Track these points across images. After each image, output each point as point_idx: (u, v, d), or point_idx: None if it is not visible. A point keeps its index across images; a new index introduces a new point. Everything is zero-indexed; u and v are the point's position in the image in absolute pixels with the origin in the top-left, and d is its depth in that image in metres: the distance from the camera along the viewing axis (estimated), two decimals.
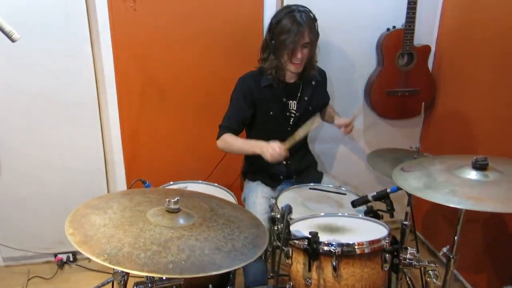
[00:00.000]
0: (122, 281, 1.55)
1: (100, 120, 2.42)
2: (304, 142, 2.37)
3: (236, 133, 2.16)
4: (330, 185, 2.18)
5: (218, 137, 2.18)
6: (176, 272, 1.18)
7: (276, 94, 2.16)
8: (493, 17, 2.20)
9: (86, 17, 2.22)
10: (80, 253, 2.59)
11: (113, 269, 1.35)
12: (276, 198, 2.01)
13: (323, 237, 1.52)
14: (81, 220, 1.42)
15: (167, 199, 1.44)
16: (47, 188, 2.48)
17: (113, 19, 2.24)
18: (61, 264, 2.62)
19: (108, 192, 2.57)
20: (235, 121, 2.16)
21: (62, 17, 2.19)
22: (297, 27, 1.96)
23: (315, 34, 2.06)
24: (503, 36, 2.14)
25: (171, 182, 2.07)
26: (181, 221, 1.41)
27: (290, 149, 2.23)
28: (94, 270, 2.61)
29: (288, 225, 1.45)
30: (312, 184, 2.18)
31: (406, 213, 2.04)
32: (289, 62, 2.05)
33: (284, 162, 2.26)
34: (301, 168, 2.32)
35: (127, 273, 1.55)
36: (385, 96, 2.55)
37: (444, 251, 1.69)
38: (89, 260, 2.68)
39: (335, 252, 1.48)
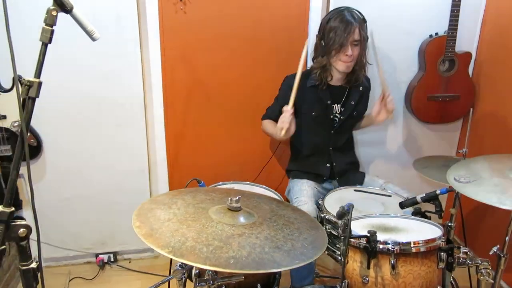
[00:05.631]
0: (183, 278, 1.59)
1: (146, 121, 2.47)
2: (349, 143, 2.39)
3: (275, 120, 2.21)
4: (376, 187, 2.20)
5: (263, 118, 2.34)
6: (237, 267, 1.21)
7: (320, 95, 2.19)
8: None
9: (137, 19, 2.28)
10: (121, 254, 2.71)
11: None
12: (323, 199, 2.04)
13: (379, 236, 1.54)
14: (147, 214, 1.46)
15: (229, 198, 1.48)
16: (91, 188, 2.53)
17: (163, 22, 2.30)
18: (102, 265, 2.64)
19: (150, 193, 2.62)
20: (275, 114, 2.22)
21: (113, 18, 2.26)
22: (346, 24, 2.01)
23: (365, 33, 2.09)
24: None
25: (220, 182, 2.11)
26: (242, 219, 1.45)
27: (335, 150, 2.27)
28: (135, 271, 2.65)
29: (349, 223, 1.47)
30: (357, 186, 2.20)
31: (451, 215, 2.06)
32: (339, 60, 2.08)
33: (328, 165, 2.29)
34: (345, 169, 2.35)
35: (188, 270, 1.60)
36: (426, 101, 2.57)
37: (495, 250, 1.70)
38: (129, 260, 2.73)
39: (393, 250, 1.50)
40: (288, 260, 1.31)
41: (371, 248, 1.50)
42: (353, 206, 1.44)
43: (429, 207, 1.86)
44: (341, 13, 2.04)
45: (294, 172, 2.37)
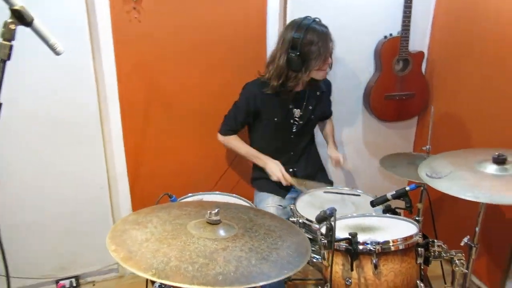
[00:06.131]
0: None
1: (103, 136, 2.35)
2: (309, 148, 2.40)
3: (236, 132, 2.30)
4: (346, 188, 2.22)
5: (221, 132, 2.31)
6: (226, 284, 1.16)
7: (283, 101, 2.19)
8: (478, 25, 2.35)
9: (88, 30, 2.17)
10: (84, 277, 2.57)
11: None
12: (294, 204, 2.03)
13: (358, 237, 1.55)
14: (121, 236, 1.38)
15: (208, 211, 1.43)
16: (47, 211, 2.37)
17: (116, 31, 2.20)
18: None
19: (112, 211, 2.50)
20: (234, 123, 2.27)
21: (62, 30, 2.10)
22: (324, 36, 2.06)
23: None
24: (487, 42, 2.30)
25: (189, 194, 2.04)
26: (223, 232, 1.41)
27: (296, 155, 2.28)
28: None
29: (332, 227, 1.46)
30: (327, 187, 2.21)
31: (418, 210, 2.11)
32: (319, 70, 2.12)
33: (291, 170, 2.29)
34: (309, 174, 2.35)
35: None
36: (383, 100, 2.63)
37: (466, 241, 1.76)
38: (93, 283, 2.59)
39: (374, 250, 1.51)
40: (276, 270, 1.28)
41: (353, 250, 1.50)
42: (335, 210, 1.43)
43: (399, 203, 1.90)
44: (312, 26, 2.04)
45: (259, 182, 2.35)
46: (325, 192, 2.18)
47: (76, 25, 2.15)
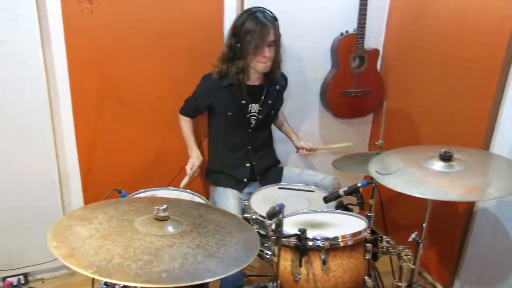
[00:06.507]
0: None
1: (53, 129, 2.27)
2: (268, 141, 2.41)
3: (191, 117, 2.33)
4: (300, 184, 2.24)
5: (180, 111, 2.35)
6: (170, 281, 1.16)
7: (236, 95, 2.18)
8: (430, 24, 2.40)
9: (37, 19, 2.07)
10: (33, 274, 2.49)
11: None
12: (248, 200, 2.03)
13: (307, 233, 1.56)
14: (64, 232, 1.34)
15: (156, 207, 1.41)
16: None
17: (67, 22, 2.12)
18: None
19: (63, 207, 2.42)
20: (189, 109, 2.30)
21: (10, 18, 2.04)
22: (261, 26, 2.02)
23: (278, 33, 2.12)
24: (440, 40, 2.35)
25: (141, 190, 2.00)
26: (171, 229, 1.39)
27: (254, 149, 2.28)
28: None
29: (281, 224, 1.47)
30: (281, 183, 2.22)
31: (370, 206, 2.15)
32: (257, 62, 2.10)
33: (248, 164, 2.29)
34: (265, 168, 2.37)
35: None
36: (339, 96, 2.66)
37: (413, 236, 1.81)
38: (42, 280, 2.51)
39: (323, 246, 1.53)
40: (223, 267, 1.28)
41: (302, 246, 1.51)
42: (284, 206, 1.43)
43: (352, 199, 1.92)
44: (254, 15, 2.04)
45: (215, 175, 2.34)
46: (279, 188, 2.19)
47: (25, 13, 2.06)
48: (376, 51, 2.67)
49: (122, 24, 2.22)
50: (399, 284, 1.73)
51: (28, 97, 2.18)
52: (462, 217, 2.30)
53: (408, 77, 2.63)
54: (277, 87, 2.28)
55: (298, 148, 2.42)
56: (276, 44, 2.12)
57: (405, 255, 1.68)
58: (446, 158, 1.62)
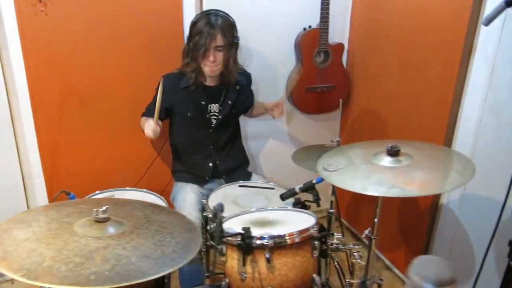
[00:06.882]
0: None
1: (14, 132, 2.27)
2: (232, 141, 2.39)
3: None
4: (259, 181, 2.23)
5: (142, 115, 2.29)
6: (98, 283, 1.16)
7: (194, 96, 2.18)
8: (394, 15, 2.38)
9: None
10: (2, 275, 2.47)
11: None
12: (207, 198, 2.03)
13: (255, 232, 1.56)
14: (2, 236, 1.35)
15: (95, 209, 1.41)
16: None
17: (22, 25, 2.11)
18: None
19: (28, 208, 2.43)
20: (149, 112, 2.21)
21: None
22: (209, 29, 2.00)
23: (230, 39, 2.08)
24: (402, 35, 2.34)
25: (97, 192, 2.00)
26: (111, 230, 1.39)
27: (217, 149, 2.27)
28: None
29: (221, 223, 1.47)
30: (241, 181, 2.22)
31: (331, 202, 2.15)
32: (204, 65, 2.09)
33: (211, 164, 2.29)
34: (231, 167, 2.36)
35: None
36: (305, 92, 2.65)
37: (366, 233, 1.80)
38: (12, 281, 2.51)
39: (267, 244, 1.53)
40: (155, 268, 1.28)
41: (245, 245, 1.51)
42: (222, 205, 1.43)
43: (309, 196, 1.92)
44: (207, 16, 2.03)
45: (178, 174, 2.34)
46: (240, 186, 2.19)
47: None
48: (340, 46, 2.66)
49: (78, 25, 2.21)
50: (352, 281, 1.73)
51: None
52: (428, 211, 2.30)
53: (372, 71, 2.62)
54: (237, 87, 2.26)
55: (272, 112, 2.36)
56: (225, 49, 2.08)
57: (356, 251, 1.68)
58: (393, 153, 1.61)
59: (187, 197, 2.14)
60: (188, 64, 2.12)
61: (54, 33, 2.18)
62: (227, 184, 2.21)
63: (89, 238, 1.34)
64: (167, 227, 1.49)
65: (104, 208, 1.41)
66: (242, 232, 1.52)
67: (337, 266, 2.13)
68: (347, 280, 1.77)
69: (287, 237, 1.57)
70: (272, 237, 1.55)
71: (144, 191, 2.04)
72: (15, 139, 2.30)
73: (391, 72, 2.46)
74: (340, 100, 2.09)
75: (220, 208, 1.44)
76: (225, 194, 2.09)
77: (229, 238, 1.56)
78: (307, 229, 1.60)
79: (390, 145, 1.61)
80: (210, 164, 2.29)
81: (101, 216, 1.41)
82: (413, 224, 2.44)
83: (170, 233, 1.45)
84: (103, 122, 2.42)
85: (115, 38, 2.30)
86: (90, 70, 2.31)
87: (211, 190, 2.15)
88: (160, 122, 2.10)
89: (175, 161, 2.38)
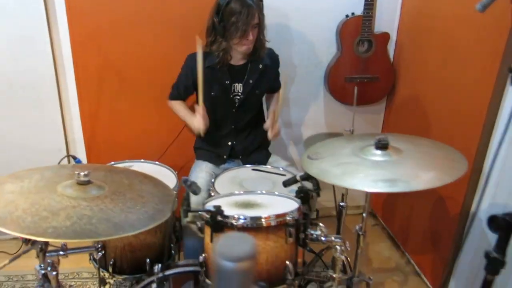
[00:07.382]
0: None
1: (60, 100, 2.49)
2: (254, 122, 2.37)
3: (182, 99, 2.33)
4: (274, 165, 2.22)
5: (169, 98, 2.34)
6: (53, 236, 1.24)
7: (218, 76, 2.18)
8: (445, 8, 2.18)
9: (43, 3, 2.29)
10: None
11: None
12: (216, 177, 2.06)
13: (234, 211, 1.55)
14: None
15: (76, 172, 1.50)
16: (5, 169, 2.54)
17: (69, 2, 2.30)
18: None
19: None
20: (177, 92, 2.30)
21: (18, 5, 2.27)
22: (247, 9, 1.99)
23: (262, 14, 2.10)
24: (448, 33, 2.15)
25: (112, 162, 2.10)
26: (90, 193, 1.46)
27: (238, 129, 2.28)
28: None
29: (188, 197, 1.48)
30: (255, 165, 2.21)
31: (342, 195, 2.05)
32: (241, 44, 2.07)
33: (230, 143, 2.30)
34: (249, 149, 2.35)
35: (46, 243, 1.62)
36: (343, 82, 2.53)
37: (356, 228, 1.70)
38: None
39: (236, 225, 1.51)
40: (112, 230, 1.33)
41: (212, 222, 1.51)
42: (188, 181, 1.45)
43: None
44: None
45: (198, 151, 2.39)
46: (253, 169, 2.18)
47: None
48: (385, 35, 2.49)
49: (119, 1, 2.35)
50: (334, 275, 1.64)
51: (38, 72, 2.42)
52: (457, 219, 2.09)
53: (420, 64, 2.42)
54: (260, 66, 2.22)
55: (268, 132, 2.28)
56: (260, 26, 2.08)
57: (338, 245, 1.59)
58: (381, 146, 1.49)
59: (199, 175, 2.18)
60: (215, 43, 2.12)
61: (97, 10, 2.34)
62: (240, 166, 2.22)
63: (65, 197, 1.42)
64: (144, 196, 1.54)
65: (86, 172, 1.50)
66: (212, 209, 1.51)
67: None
68: (329, 273, 1.67)
69: (263, 219, 1.53)
70: (246, 218, 1.52)
71: (156, 164, 2.12)
72: (61, 108, 2.52)
73: (436, 71, 2.26)
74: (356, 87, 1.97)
75: (188, 183, 1.45)
76: (234, 176, 2.10)
77: (207, 216, 1.57)
78: (283, 214, 1.54)
79: (378, 138, 1.51)
80: (229, 143, 2.31)
81: (82, 179, 1.49)
82: (441, 231, 2.25)
83: (144, 202, 1.50)
84: (138, 96, 2.55)
85: (153, 15, 2.40)
86: (128, 46, 2.44)
87: (225, 170, 2.17)
88: (207, 121, 2.16)
89: (197, 138, 2.43)
